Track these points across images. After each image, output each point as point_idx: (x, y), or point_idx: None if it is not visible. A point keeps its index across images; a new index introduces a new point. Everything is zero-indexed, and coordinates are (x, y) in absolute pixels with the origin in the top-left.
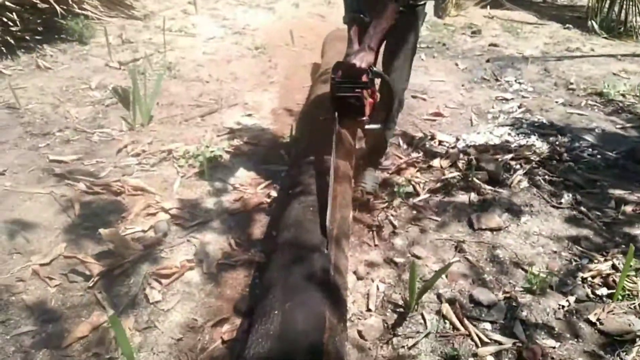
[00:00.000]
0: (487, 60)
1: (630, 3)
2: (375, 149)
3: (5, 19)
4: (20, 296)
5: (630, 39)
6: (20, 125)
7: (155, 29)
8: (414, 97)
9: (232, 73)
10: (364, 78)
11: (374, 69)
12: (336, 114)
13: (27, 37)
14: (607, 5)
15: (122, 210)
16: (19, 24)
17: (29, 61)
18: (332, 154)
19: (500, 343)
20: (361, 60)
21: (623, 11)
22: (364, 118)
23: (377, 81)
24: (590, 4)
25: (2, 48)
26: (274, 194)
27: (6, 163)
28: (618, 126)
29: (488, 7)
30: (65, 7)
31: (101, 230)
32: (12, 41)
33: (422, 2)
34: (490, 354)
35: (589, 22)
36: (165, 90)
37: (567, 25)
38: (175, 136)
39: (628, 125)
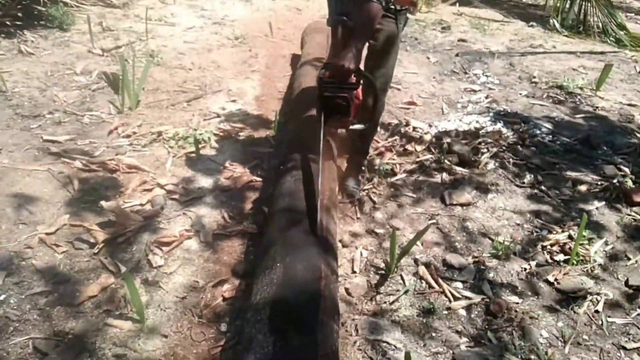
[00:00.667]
0: (457, 55)
1: (589, 4)
2: (359, 151)
3: None
4: (30, 261)
5: (589, 37)
6: (10, 108)
7: (134, 17)
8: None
9: (214, 61)
10: (352, 79)
11: (361, 70)
12: (322, 112)
13: (8, 23)
14: (567, 5)
15: (119, 186)
16: None
17: (11, 46)
18: (320, 146)
19: (470, 298)
20: (349, 61)
21: (582, 11)
22: (350, 118)
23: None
24: (552, 4)
25: None
26: (262, 172)
27: (1, 142)
28: (576, 116)
29: (457, 4)
30: None
31: (103, 202)
32: None
33: (405, 7)
34: (462, 307)
35: (551, 21)
36: (149, 76)
37: (531, 23)
38: (164, 119)
39: (584, 115)
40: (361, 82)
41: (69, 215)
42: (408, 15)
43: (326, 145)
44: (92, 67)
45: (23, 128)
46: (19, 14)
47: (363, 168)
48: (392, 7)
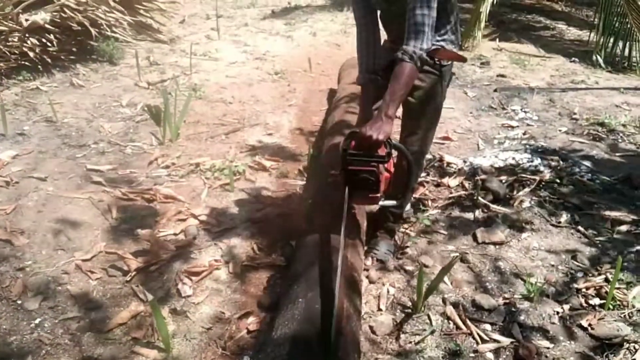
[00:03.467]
0: (495, 90)
1: (635, 39)
2: (391, 218)
3: (44, 40)
4: (65, 287)
5: (634, 73)
6: (58, 137)
7: (180, 52)
8: None
9: (254, 95)
10: (381, 151)
11: (393, 141)
12: (347, 188)
13: (62, 57)
14: (611, 41)
15: (155, 215)
16: (55, 45)
17: (64, 79)
18: (341, 231)
19: (498, 342)
20: (378, 131)
21: (627, 46)
22: (378, 195)
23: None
24: (596, 39)
25: (39, 66)
26: (293, 205)
27: (47, 170)
28: (617, 154)
29: (497, 39)
30: (97, 30)
31: (139, 230)
32: (48, 60)
33: (449, 62)
34: (490, 351)
35: (594, 56)
36: (191, 109)
37: (573, 59)
38: (202, 151)
39: (627, 154)
40: (392, 153)
41: (106, 243)
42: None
43: (351, 223)
44: (138, 100)
45: (69, 157)
46: (73, 49)
47: (396, 230)
48: (437, 62)
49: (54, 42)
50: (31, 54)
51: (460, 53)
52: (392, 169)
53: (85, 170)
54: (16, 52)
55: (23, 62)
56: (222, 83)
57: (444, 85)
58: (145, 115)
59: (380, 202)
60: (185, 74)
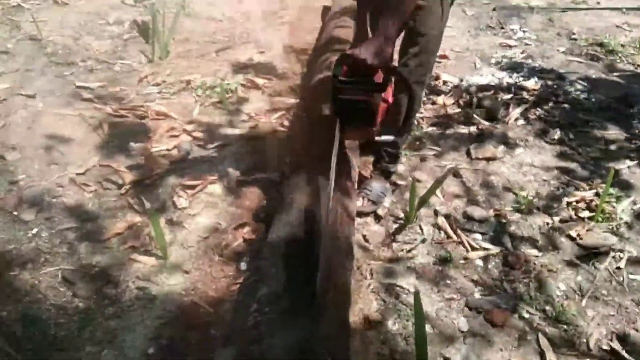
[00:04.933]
0: (494, 9)
1: None
2: (387, 158)
3: None
4: (60, 199)
5: None
6: (44, 55)
7: None
8: None
9: (244, 13)
10: (378, 78)
11: (391, 65)
12: (338, 120)
13: None
14: None
15: (147, 131)
16: None
17: None
18: (331, 174)
19: (488, 249)
20: (374, 54)
21: None
22: (374, 128)
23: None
24: None
25: None
26: (286, 123)
27: (35, 88)
28: (615, 74)
29: None
30: None
31: (133, 144)
32: None
33: None
34: (479, 258)
35: None
36: (180, 27)
37: None
38: (192, 69)
39: (624, 73)
40: (392, 79)
41: (99, 157)
42: None
43: (343, 164)
44: (125, 17)
45: (57, 75)
46: None
47: (392, 171)
48: None
49: None
50: None
51: None
52: (391, 99)
53: (74, 88)
54: None
55: None
56: (211, 0)
57: (447, 5)
58: (133, 33)
59: (377, 138)
60: None
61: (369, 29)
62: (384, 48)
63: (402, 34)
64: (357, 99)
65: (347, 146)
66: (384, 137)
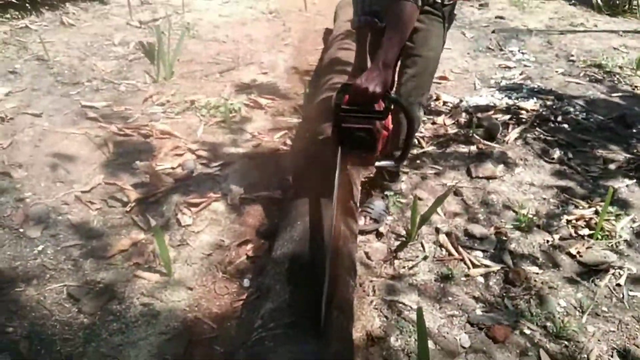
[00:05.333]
0: (493, 31)
1: None
2: (387, 177)
3: None
4: (65, 216)
5: (634, 16)
6: (51, 75)
7: None
8: None
9: (248, 35)
10: (379, 106)
11: (392, 95)
12: (339, 148)
13: None
14: None
15: (152, 149)
16: None
17: (53, 18)
18: (333, 196)
19: (489, 267)
20: (375, 83)
21: None
22: (375, 155)
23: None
24: None
25: (27, 5)
26: (288, 142)
27: (42, 107)
28: (612, 95)
29: None
30: None
31: (138, 162)
32: None
33: (451, 2)
34: (480, 275)
35: None
36: (184, 48)
37: (573, 1)
38: (197, 89)
39: (622, 94)
40: (392, 107)
41: (104, 176)
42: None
43: (344, 183)
44: (130, 39)
45: (63, 94)
46: None
47: (393, 189)
48: (437, 0)
49: None
50: None
51: None
52: (391, 126)
53: (80, 107)
54: None
55: (10, 0)
56: (216, 22)
57: (445, 28)
58: (139, 54)
59: (377, 163)
60: (177, 13)
61: (368, 57)
62: (384, 76)
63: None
64: (359, 127)
65: (349, 166)
66: (384, 163)
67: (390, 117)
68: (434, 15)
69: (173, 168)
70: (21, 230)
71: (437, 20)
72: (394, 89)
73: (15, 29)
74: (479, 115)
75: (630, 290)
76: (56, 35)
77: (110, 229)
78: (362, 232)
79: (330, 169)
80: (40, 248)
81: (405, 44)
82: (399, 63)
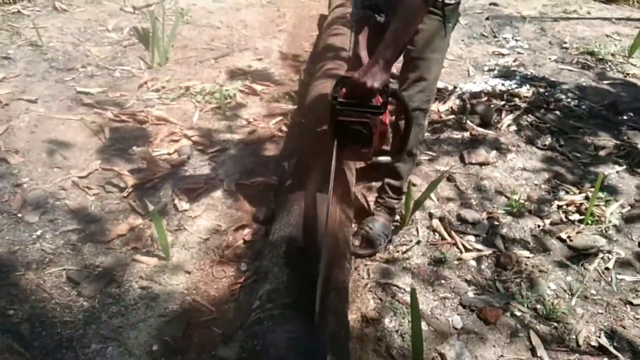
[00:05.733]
0: (487, 18)
1: None
2: (390, 192)
3: None
4: (63, 202)
5: (627, 3)
6: (45, 61)
7: None
8: None
9: (242, 20)
10: (376, 100)
11: (390, 88)
12: (335, 142)
13: None
14: None
15: (148, 136)
16: None
17: (46, 3)
18: (329, 189)
19: (481, 250)
20: (373, 77)
21: None
22: (371, 150)
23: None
24: None
25: None
26: (284, 128)
27: (37, 93)
28: (604, 82)
29: None
30: None
31: (135, 148)
32: None
33: (454, 1)
34: (473, 258)
35: None
36: (179, 34)
37: None
38: (192, 75)
39: (613, 81)
40: (389, 102)
41: (100, 161)
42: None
43: (341, 182)
44: (124, 24)
45: (58, 80)
46: None
47: (396, 208)
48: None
49: None
50: None
51: None
52: (388, 121)
53: (75, 93)
54: None
55: None
56: (209, 8)
57: (449, 28)
58: (133, 40)
59: (374, 159)
60: None
61: (365, 52)
62: (383, 71)
63: (402, 59)
64: (355, 121)
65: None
66: (381, 159)
67: (387, 112)
68: (435, 15)
69: (169, 154)
70: (19, 215)
71: (438, 20)
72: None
73: (7, 14)
74: (473, 101)
75: (618, 274)
76: (49, 21)
77: (108, 214)
78: (356, 255)
79: (325, 155)
80: (38, 233)
81: (407, 47)
82: (399, 67)
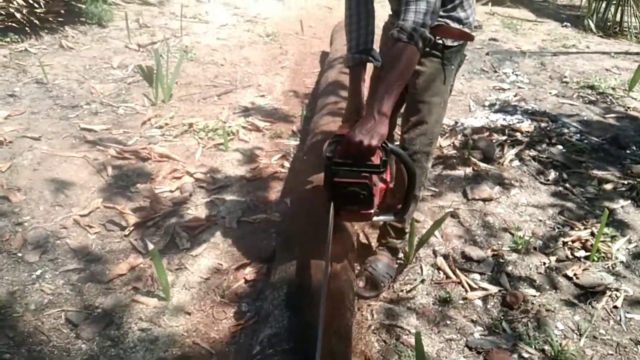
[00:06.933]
0: (487, 54)
1: (626, 5)
2: (392, 233)
3: (31, 1)
4: (64, 240)
5: (625, 38)
6: (50, 98)
7: (170, 14)
8: None
9: (245, 58)
10: (375, 159)
11: (389, 145)
12: (332, 203)
13: (50, 19)
14: (603, 6)
15: (150, 173)
16: (42, 6)
17: (53, 41)
18: (327, 255)
19: (486, 290)
20: (370, 134)
21: (619, 12)
22: (372, 211)
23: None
24: (587, 4)
25: (27, 28)
26: (287, 164)
27: (41, 130)
28: (606, 116)
29: (489, 4)
30: None
31: (138, 186)
32: (36, 22)
33: (457, 44)
34: (478, 298)
35: (586, 21)
36: (182, 71)
37: (565, 23)
38: (195, 112)
39: (615, 115)
40: (388, 160)
41: (102, 199)
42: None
43: (337, 246)
44: (128, 62)
45: (62, 117)
46: (61, 11)
47: (399, 248)
48: (439, 41)
49: (41, 4)
50: (18, 16)
51: (468, 31)
52: (389, 178)
53: (78, 130)
54: (2, 12)
55: (10, 24)
56: (213, 45)
57: (451, 71)
58: (137, 77)
59: (375, 217)
60: (175, 37)
61: (362, 101)
62: (380, 126)
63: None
64: (353, 182)
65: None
66: (383, 217)
67: (388, 169)
68: (436, 58)
69: (171, 191)
70: (20, 254)
71: (439, 63)
72: (400, 138)
73: (15, 52)
74: (474, 136)
75: (628, 313)
76: (55, 59)
77: (108, 253)
78: (359, 296)
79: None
80: (38, 273)
81: (408, 89)
82: (402, 110)
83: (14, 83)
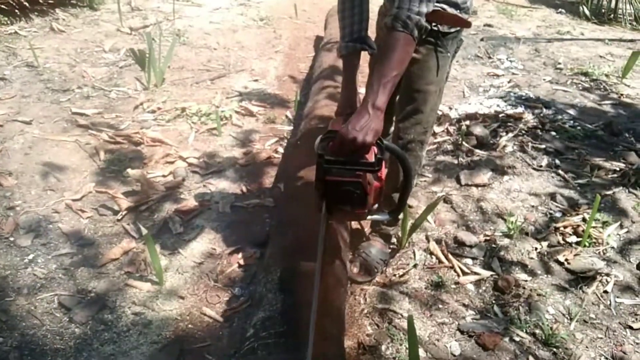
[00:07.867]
0: (482, 39)
1: None
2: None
3: None
4: (56, 225)
5: (619, 24)
6: (41, 82)
7: None
8: None
9: (239, 42)
10: (370, 156)
11: (385, 142)
12: (324, 202)
13: (41, 1)
14: None
15: (143, 157)
16: None
17: (43, 24)
18: (318, 257)
19: (479, 274)
20: (364, 130)
21: None
22: (366, 210)
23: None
24: None
25: (17, 10)
26: (280, 149)
27: (32, 114)
28: (599, 103)
29: None
30: None
31: (129, 170)
32: (26, 4)
33: (454, 29)
34: (470, 282)
35: (581, 8)
36: (175, 55)
37: (560, 10)
38: (188, 96)
39: (608, 102)
40: (383, 157)
41: (95, 184)
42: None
43: (331, 245)
44: (120, 45)
45: (53, 101)
46: None
47: (392, 234)
48: (435, 28)
49: None
50: None
51: (465, 17)
52: (384, 176)
53: (70, 114)
54: None
55: None
56: (206, 29)
57: (447, 58)
58: (129, 61)
59: (369, 217)
60: (168, 20)
61: (356, 93)
62: (374, 121)
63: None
64: (346, 181)
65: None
66: (377, 217)
67: (384, 167)
68: (431, 45)
69: (164, 176)
70: (11, 239)
71: (435, 50)
72: (392, 127)
73: (4, 35)
74: (468, 122)
75: (617, 297)
76: (46, 42)
77: (101, 238)
78: (352, 281)
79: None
80: (30, 257)
81: (403, 78)
82: (396, 98)
83: (4, 66)
